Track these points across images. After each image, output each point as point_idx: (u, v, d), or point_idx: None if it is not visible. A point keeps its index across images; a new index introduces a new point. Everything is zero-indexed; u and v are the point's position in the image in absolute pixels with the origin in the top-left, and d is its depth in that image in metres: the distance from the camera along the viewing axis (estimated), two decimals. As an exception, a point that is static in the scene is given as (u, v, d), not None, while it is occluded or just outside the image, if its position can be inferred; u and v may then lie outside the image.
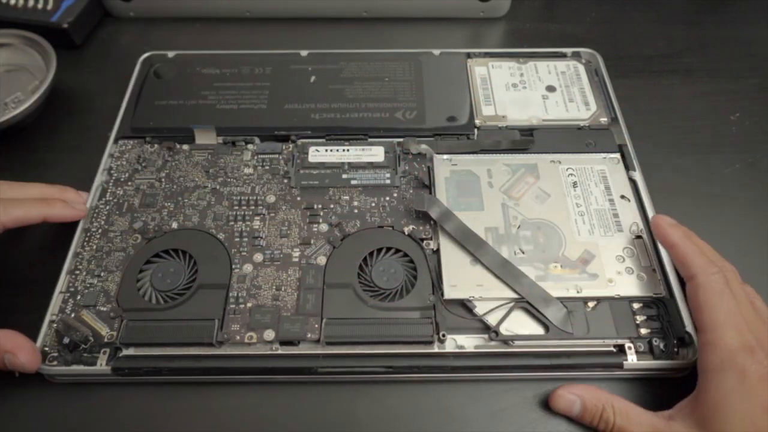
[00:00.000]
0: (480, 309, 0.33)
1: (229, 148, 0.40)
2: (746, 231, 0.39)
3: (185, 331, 0.32)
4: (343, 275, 0.34)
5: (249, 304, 0.33)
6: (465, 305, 0.33)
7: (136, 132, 0.41)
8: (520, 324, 0.33)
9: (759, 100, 0.46)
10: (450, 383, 0.33)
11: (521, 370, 0.32)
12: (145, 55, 0.46)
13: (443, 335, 0.32)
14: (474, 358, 0.32)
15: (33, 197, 0.35)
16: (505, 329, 0.32)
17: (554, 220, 0.36)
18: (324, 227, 0.36)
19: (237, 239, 0.36)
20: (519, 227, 0.36)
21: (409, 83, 0.44)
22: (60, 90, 0.46)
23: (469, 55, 0.46)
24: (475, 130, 0.41)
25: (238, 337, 0.32)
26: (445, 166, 0.39)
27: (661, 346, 0.32)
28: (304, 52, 0.46)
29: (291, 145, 0.41)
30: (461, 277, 0.34)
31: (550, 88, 0.44)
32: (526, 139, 0.40)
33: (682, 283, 0.33)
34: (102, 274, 0.34)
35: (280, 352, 0.32)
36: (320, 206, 0.37)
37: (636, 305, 0.33)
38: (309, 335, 0.32)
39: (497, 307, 0.33)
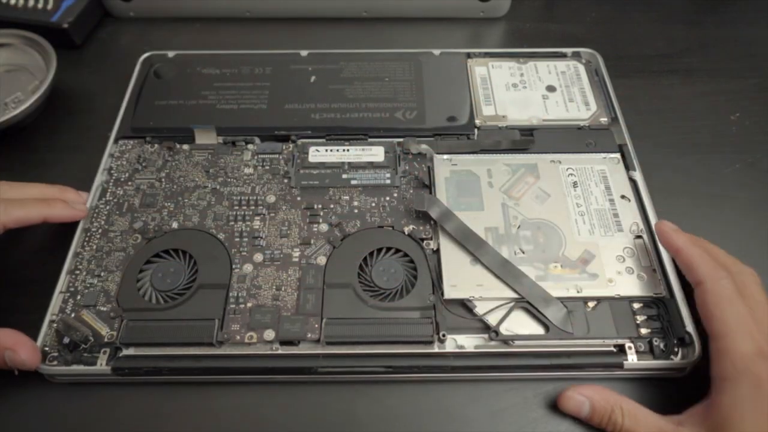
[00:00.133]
0: (480, 309, 0.33)
1: (229, 148, 0.40)
2: (746, 231, 0.39)
3: (185, 331, 0.32)
4: (343, 275, 0.34)
5: (249, 304, 0.33)
6: (465, 305, 0.33)
7: (136, 132, 0.41)
8: (520, 324, 0.33)
9: (759, 100, 0.46)
10: (450, 383, 0.33)
11: (521, 370, 0.32)
12: (145, 55, 0.46)
13: (443, 335, 0.32)
14: (474, 358, 0.32)
15: (33, 197, 0.35)
16: (505, 329, 0.32)
17: (554, 220, 0.36)
18: (324, 227, 0.36)
19: (237, 239, 0.36)
20: (519, 227, 0.36)
21: (409, 83, 0.44)
22: (60, 90, 0.46)
23: (469, 55, 0.46)
24: (475, 130, 0.41)
25: (238, 337, 0.32)
26: (445, 166, 0.39)
27: (661, 346, 0.32)
28: (304, 52, 0.46)
29: (291, 145, 0.41)
30: (461, 277, 0.34)
31: (550, 88, 0.44)
32: (526, 139, 0.40)
33: (683, 283, 0.33)
34: (102, 274, 0.34)
35: (280, 352, 0.32)
36: (320, 206, 0.37)
37: (636, 305, 0.33)
38: (309, 335, 0.32)
39: (497, 307, 0.33)
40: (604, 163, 0.39)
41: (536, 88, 0.44)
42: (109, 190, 0.38)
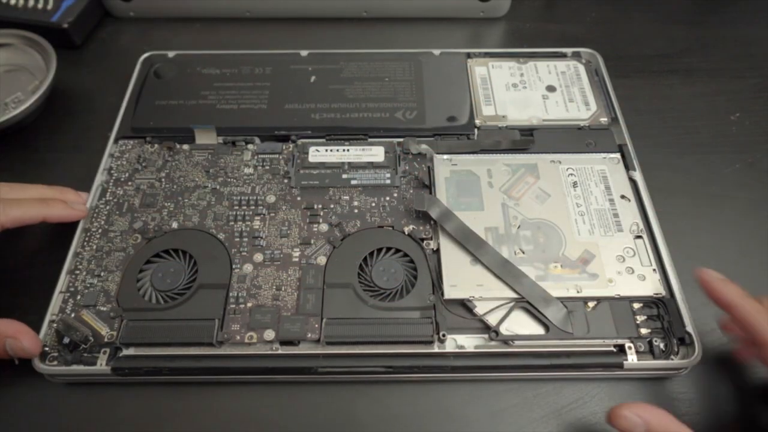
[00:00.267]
0: (480, 309, 0.33)
1: (229, 148, 0.40)
2: (746, 231, 0.39)
3: (185, 331, 0.32)
4: (343, 275, 0.34)
5: (249, 304, 0.33)
6: (465, 305, 0.33)
7: (136, 132, 0.41)
8: (520, 324, 0.33)
9: (759, 100, 0.46)
10: (450, 383, 0.33)
11: (521, 370, 0.32)
12: (145, 55, 0.46)
13: (443, 335, 0.32)
14: (474, 358, 0.32)
15: (32, 198, 0.35)
16: (505, 329, 0.32)
17: (554, 220, 0.36)
18: (324, 227, 0.36)
19: (237, 239, 0.36)
20: (519, 227, 0.36)
21: (409, 83, 0.44)
22: (60, 90, 0.46)
23: (469, 55, 0.46)
24: (475, 130, 0.41)
25: (238, 337, 0.32)
26: (445, 166, 0.39)
27: (661, 346, 0.32)
28: (304, 52, 0.46)
29: (291, 145, 0.41)
30: (461, 277, 0.34)
31: (550, 88, 0.44)
32: (526, 139, 0.40)
33: (683, 283, 0.34)
34: (102, 274, 0.34)
35: (280, 352, 0.32)
36: (320, 206, 0.37)
37: (636, 305, 0.33)
38: (309, 335, 0.32)
39: (497, 307, 0.33)
40: (604, 163, 0.39)
41: (536, 88, 0.44)
42: (109, 190, 0.38)
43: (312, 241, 0.36)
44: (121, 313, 0.33)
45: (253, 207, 0.37)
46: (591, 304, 0.33)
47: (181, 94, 0.43)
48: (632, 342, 0.32)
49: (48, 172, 0.41)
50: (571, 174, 0.39)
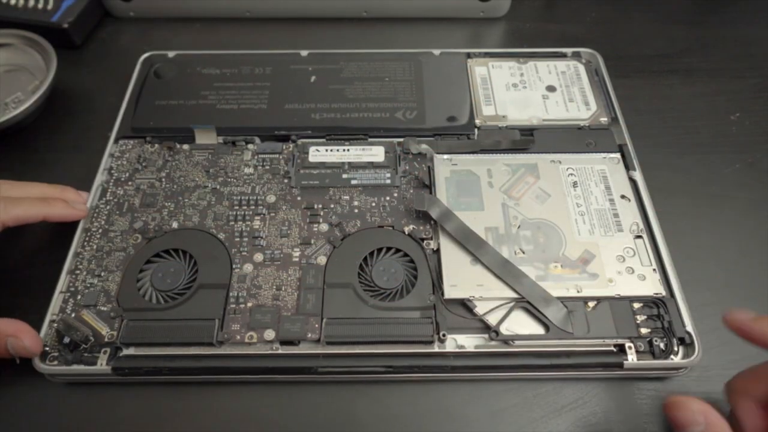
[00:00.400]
0: (480, 309, 0.33)
1: (230, 148, 0.40)
2: (746, 231, 0.39)
3: (185, 331, 0.32)
4: (343, 275, 0.34)
5: (249, 304, 0.33)
6: (465, 305, 0.33)
7: (136, 132, 0.41)
8: (520, 324, 0.33)
9: (759, 100, 0.46)
10: (450, 383, 0.33)
11: (521, 369, 0.32)
12: (145, 55, 0.46)
13: (443, 335, 0.32)
14: (474, 358, 0.32)
15: (33, 197, 0.35)
16: (505, 329, 0.32)
17: (554, 220, 0.36)
18: (324, 227, 0.36)
19: (237, 239, 0.36)
20: (519, 227, 0.36)
21: (409, 83, 0.44)
22: (60, 90, 0.46)
23: (469, 55, 0.46)
24: (475, 130, 0.41)
25: (238, 337, 0.32)
26: (445, 166, 0.39)
27: (661, 345, 0.32)
28: (304, 52, 0.46)
29: (291, 145, 0.41)
30: (461, 277, 0.34)
31: (550, 88, 0.44)
32: (526, 139, 0.40)
33: (683, 283, 0.34)
34: (102, 273, 0.34)
35: (280, 351, 0.32)
36: (320, 206, 0.37)
37: (636, 305, 0.33)
38: (309, 335, 0.32)
39: (497, 307, 0.33)
40: (604, 163, 0.39)
41: (536, 88, 0.44)
42: (110, 190, 0.38)
43: (312, 241, 0.36)
44: (121, 313, 0.33)
45: (253, 207, 0.37)
46: (591, 304, 0.33)
47: (181, 94, 0.43)
48: (632, 342, 0.32)
49: (48, 172, 0.41)
50: (571, 174, 0.39)
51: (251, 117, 0.42)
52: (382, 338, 0.32)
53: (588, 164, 0.39)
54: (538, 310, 0.32)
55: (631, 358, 0.31)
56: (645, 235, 0.36)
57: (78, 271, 0.34)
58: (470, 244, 0.34)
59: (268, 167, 0.39)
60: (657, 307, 0.33)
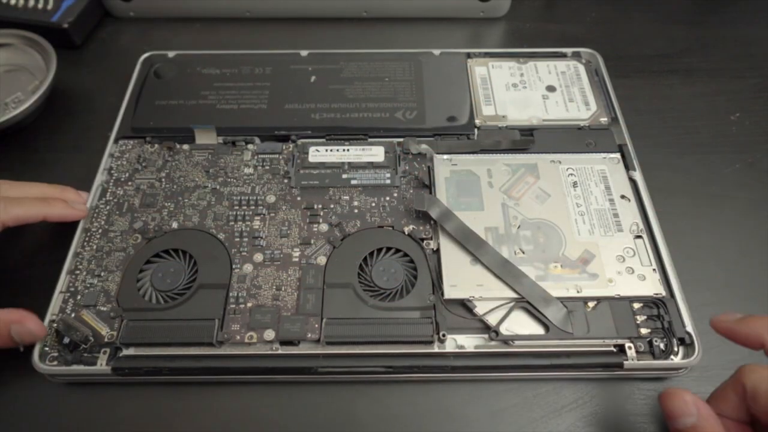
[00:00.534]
0: (480, 309, 0.33)
1: (229, 148, 0.40)
2: (746, 231, 0.39)
3: (185, 331, 0.32)
4: (343, 275, 0.34)
5: (249, 304, 0.33)
6: (465, 305, 0.33)
7: (136, 132, 0.41)
8: (520, 324, 0.33)
9: (759, 100, 0.46)
10: (450, 383, 0.33)
11: (521, 370, 0.32)
12: (145, 55, 0.46)
13: (443, 335, 0.32)
14: (474, 358, 0.32)
15: (33, 197, 0.35)
16: (505, 329, 0.32)
17: (554, 220, 0.36)
18: (324, 227, 0.36)
19: (237, 239, 0.36)
20: (519, 227, 0.36)
21: (409, 83, 0.44)
22: (60, 90, 0.46)
23: (469, 55, 0.46)
24: (475, 130, 0.41)
25: (238, 337, 0.32)
26: (445, 166, 0.39)
27: (661, 346, 0.32)
28: (304, 52, 0.46)
29: (291, 145, 0.41)
30: (461, 277, 0.34)
31: (550, 88, 0.44)
32: (526, 139, 0.40)
33: (683, 283, 0.34)
34: (102, 274, 0.34)
35: (280, 352, 0.32)
36: (320, 206, 0.37)
37: (636, 305, 0.33)
38: (309, 335, 0.32)
39: (497, 307, 0.33)
40: (604, 163, 0.39)
41: (536, 88, 0.44)
42: (109, 190, 0.38)
43: (312, 241, 0.36)
44: (121, 313, 0.33)
45: (253, 207, 0.37)
46: (591, 304, 0.33)
47: (181, 94, 0.43)
48: (632, 342, 0.32)
49: (48, 172, 0.41)
50: (571, 174, 0.39)
51: (251, 117, 0.42)
52: (382, 338, 0.32)
53: (588, 164, 0.39)
54: (538, 310, 0.32)
55: (631, 358, 0.31)
56: (645, 235, 0.36)
57: (78, 271, 0.34)
58: (470, 244, 0.34)
59: (268, 167, 0.39)
60: (657, 307, 0.33)
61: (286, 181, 0.39)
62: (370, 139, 0.41)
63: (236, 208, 0.37)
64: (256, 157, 0.40)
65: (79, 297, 0.33)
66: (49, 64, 0.44)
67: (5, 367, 0.33)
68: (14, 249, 0.38)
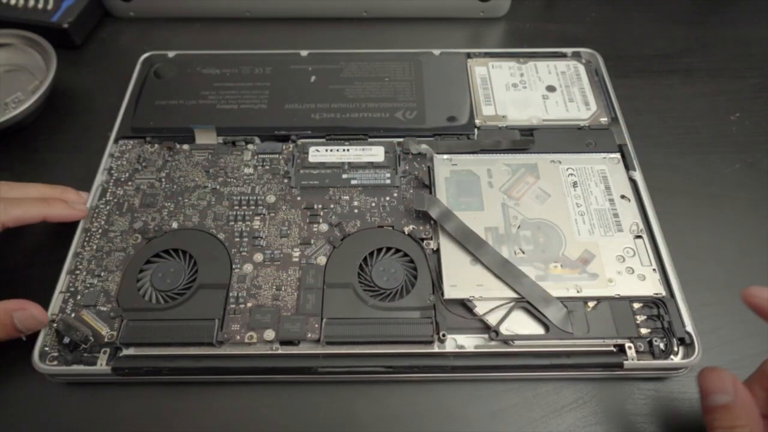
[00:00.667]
0: (480, 309, 0.33)
1: (229, 148, 0.40)
2: (746, 231, 0.39)
3: (185, 331, 0.32)
4: (343, 275, 0.34)
5: (249, 304, 0.33)
6: (465, 305, 0.33)
7: (136, 132, 0.41)
8: (520, 324, 0.33)
9: (759, 100, 0.46)
10: (450, 383, 0.33)
11: (521, 370, 0.32)
12: (145, 55, 0.46)
13: (443, 335, 0.32)
14: (474, 358, 0.32)
15: (33, 197, 0.35)
16: (505, 329, 0.32)
17: (554, 220, 0.36)
18: (324, 227, 0.36)
19: (237, 239, 0.36)
20: (519, 227, 0.36)
21: (409, 83, 0.44)
22: (60, 90, 0.46)
23: (469, 55, 0.46)
24: (475, 130, 0.41)
25: (238, 337, 0.32)
26: (445, 166, 0.39)
27: (661, 346, 0.32)
28: (304, 52, 0.46)
29: (291, 145, 0.41)
30: (461, 277, 0.34)
31: (550, 88, 0.44)
32: (526, 139, 0.40)
33: (683, 283, 0.34)
34: (102, 274, 0.34)
35: (280, 352, 0.32)
36: (320, 206, 0.37)
37: (636, 305, 0.33)
38: (309, 335, 0.32)
39: (497, 307, 0.33)
40: (604, 163, 0.39)
41: (536, 88, 0.44)
42: (109, 190, 0.38)
43: (312, 241, 0.36)
44: (121, 313, 0.33)
45: (253, 207, 0.37)
46: (591, 304, 0.33)
47: (181, 94, 0.43)
48: (632, 342, 0.32)
49: (48, 172, 0.41)
50: (571, 174, 0.39)
51: (251, 117, 0.42)
52: (382, 338, 0.32)
53: (588, 164, 0.39)
54: (538, 310, 0.32)
55: (631, 358, 0.31)
56: (645, 235, 0.36)
57: (78, 271, 0.34)
58: (470, 244, 0.34)
59: (268, 167, 0.39)
60: (657, 307, 0.33)
61: (286, 181, 0.39)
62: (370, 139, 0.41)
63: (236, 208, 0.37)
64: (256, 157, 0.40)
65: (79, 297, 0.33)
66: (49, 64, 0.44)
67: (5, 367, 0.33)
68: (14, 249, 0.38)
